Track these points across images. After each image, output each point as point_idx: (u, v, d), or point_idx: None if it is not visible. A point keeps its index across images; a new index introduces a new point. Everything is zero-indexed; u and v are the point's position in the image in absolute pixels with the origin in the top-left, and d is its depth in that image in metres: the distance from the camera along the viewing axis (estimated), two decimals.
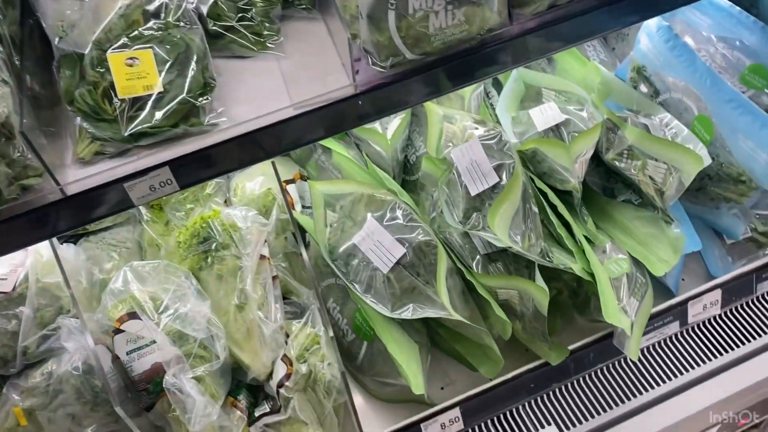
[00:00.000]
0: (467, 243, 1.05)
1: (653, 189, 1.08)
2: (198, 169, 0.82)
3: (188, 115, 0.81)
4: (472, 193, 1.01)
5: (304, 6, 0.98)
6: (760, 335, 1.17)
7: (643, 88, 1.24)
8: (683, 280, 1.20)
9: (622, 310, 1.00)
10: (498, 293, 1.03)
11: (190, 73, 0.80)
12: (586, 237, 1.09)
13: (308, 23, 0.99)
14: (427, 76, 0.92)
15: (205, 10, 0.88)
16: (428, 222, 1.09)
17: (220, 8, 0.89)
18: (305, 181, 1.26)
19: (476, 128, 1.08)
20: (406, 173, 1.32)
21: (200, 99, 0.81)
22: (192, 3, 0.85)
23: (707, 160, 1.03)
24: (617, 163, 1.10)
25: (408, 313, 0.97)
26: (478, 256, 1.03)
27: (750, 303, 1.21)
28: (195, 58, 0.81)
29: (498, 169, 1.02)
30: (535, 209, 1.05)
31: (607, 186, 1.20)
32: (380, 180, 1.15)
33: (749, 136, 1.05)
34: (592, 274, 1.01)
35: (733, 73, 1.21)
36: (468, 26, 0.90)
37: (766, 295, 1.22)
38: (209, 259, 0.99)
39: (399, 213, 1.03)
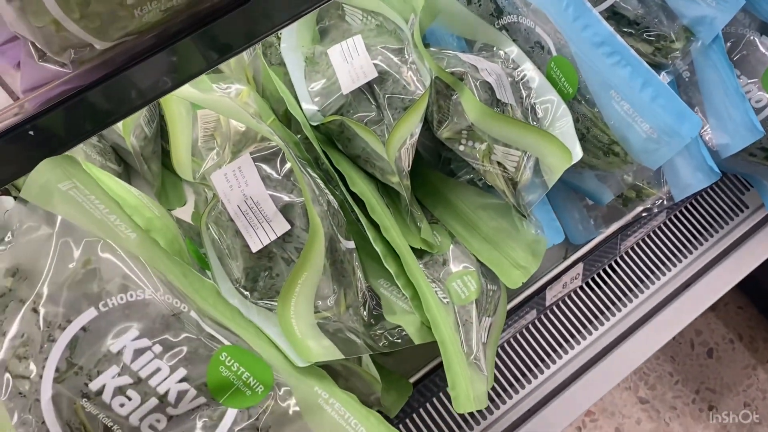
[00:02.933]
0: None
1: (503, 179, 0.79)
2: None
3: None
4: (254, 249, 0.67)
5: None
6: (625, 303, 1.00)
7: (481, 1, 0.88)
8: None
9: (473, 366, 0.75)
10: None
11: None
12: (420, 249, 0.80)
13: None
14: (150, 66, 0.53)
15: None
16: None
17: None
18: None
19: (240, 128, 0.70)
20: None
21: None
22: None
23: (578, 155, 0.74)
24: (455, 145, 0.78)
25: None
26: None
27: (613, 264, 1.02)
28: None
29: (286, 211, 0.67)
30: (350, 245, 0.73)
31: (443, 156, 0.89)
32: None
33: (625, 96, 0.76)
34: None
35: None
36: None
37: (629, 252, 1.03)
38: None
39: None
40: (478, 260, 0.83)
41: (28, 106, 0.51)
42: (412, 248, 0.80)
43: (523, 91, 0.82)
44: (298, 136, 0.85)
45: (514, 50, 0.84)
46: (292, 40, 0.87)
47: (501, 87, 0.79)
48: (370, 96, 0.81)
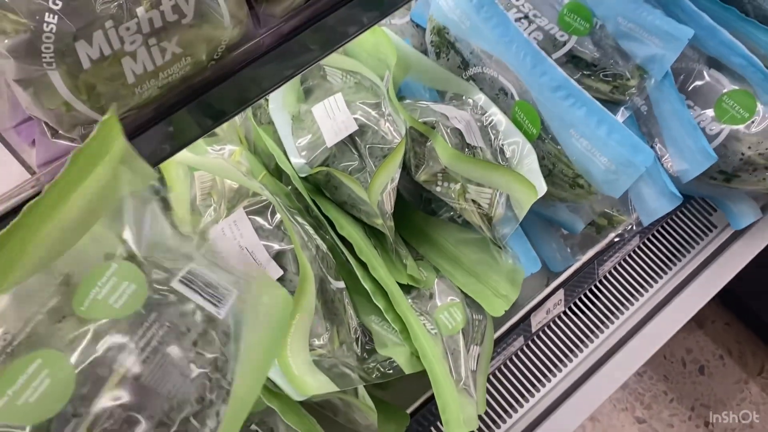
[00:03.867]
0: None
1: (478, 216, 0.85)
2: None
3: None
4: None
5: None
6: (607, 325, 1.06)
7: (449, 56, 0.97)
8: None
9: (462, 392, 0.81)
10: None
11: None
12: (407, 285, 0.86)
13: None
14: (149, 137, 0.59)
15: None
16: None
17: None
18: None
19: (234, 185, 0.77)
20: None
21: None
22: None
23: (542, 189, 0.81)
24: (433, 187, 0.85)
25: None
26: None
27: (593, 288, 1.08)
28: None
29: (279, 257, 0.73)
30: (339, 285, 0.79)
31: (424, 197, 0.96)
32: None
33: (583, 134, 0.83)
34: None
35: (551, 14, 0.97)
36: (191, 57, 0.57)
37: (607, 276, 1.09)
38: None
39: None
40: (462, 292, 0.89)
41: (43, 179, 0.58)
42: (400, 284, 0.86)
43: (491, 134, 0.89)
44: (289, 187, 0.92)
45: (481, 98, 0.92)
46: (279, 101, 0.95)
47: (470, 132, 0.87)
48: (353, 147, 0.88)
